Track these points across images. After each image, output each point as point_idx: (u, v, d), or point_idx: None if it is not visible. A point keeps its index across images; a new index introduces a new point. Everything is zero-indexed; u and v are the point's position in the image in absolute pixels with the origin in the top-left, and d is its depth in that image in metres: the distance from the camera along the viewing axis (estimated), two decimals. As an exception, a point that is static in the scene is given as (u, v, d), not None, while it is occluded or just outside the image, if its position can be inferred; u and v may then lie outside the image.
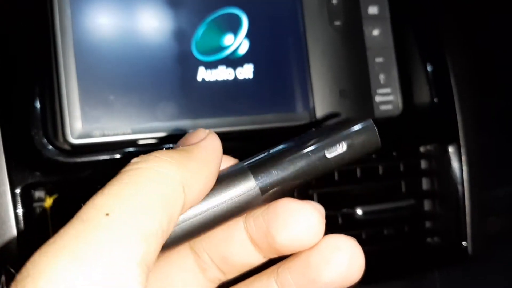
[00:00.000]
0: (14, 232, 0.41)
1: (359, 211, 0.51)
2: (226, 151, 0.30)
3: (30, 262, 0.21)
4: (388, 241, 0.53)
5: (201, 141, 0.27)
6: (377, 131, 0.28)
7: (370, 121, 0.28)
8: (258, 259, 0.30)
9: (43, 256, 0.21)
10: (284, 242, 0.27)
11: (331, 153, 0.28)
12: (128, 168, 0.24)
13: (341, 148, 0.28)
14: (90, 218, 0.22)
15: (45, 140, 0.43)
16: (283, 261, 0.29)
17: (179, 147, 0.27)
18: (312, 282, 0.28)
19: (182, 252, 0.31)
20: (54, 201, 0.44)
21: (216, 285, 0.31)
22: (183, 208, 0.25)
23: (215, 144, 0.27)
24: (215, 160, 0.27)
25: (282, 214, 0.28)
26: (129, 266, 0.21)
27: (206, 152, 0.27)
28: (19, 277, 0.21)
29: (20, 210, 0.41)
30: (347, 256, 0.28)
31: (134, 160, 0.25)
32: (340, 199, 0.51)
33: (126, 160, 0.44)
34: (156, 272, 0.29)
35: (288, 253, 0.28)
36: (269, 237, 0.28)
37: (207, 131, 0.28)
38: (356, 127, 0.28)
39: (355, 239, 0.28)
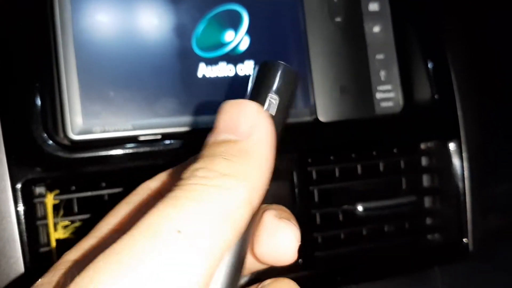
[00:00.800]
0: (15, 227, 0.41)
1: (359, 208, 0.51)
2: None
3: (94, 268, 0.21)
4: (388, 238, 0.53)
5: (254, 134, 0.26)
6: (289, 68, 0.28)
7: (279, 64, 0.28)
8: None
9: (110, 264, 0.21)
10: (261, 255, 0.29)
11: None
12: (192, 181, 0.24)
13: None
14: (159, 235, 0.22)
15: (45, 136, 0.43)
16: None
17: (225, 133, 0.26)
18: None
19: None
20: (55, 197, 0.44)
21: None
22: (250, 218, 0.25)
23: (267, 134, 0.26)
24: (269, 157, 0.26)
25: (263, 228, 0.29)
26: (196, 285, 0.21)
27: (263, 153, 0.26)
28: (78, 279, 0.21)
29: (20, 206, 0.41)
30: None
31: (198, 173, 0.24)
32: (341, 195, 0.51)
33: (127, 155, 0.44)
34: None
35: (267, 264, 0.30)
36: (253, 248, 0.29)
37: (254, 111, 0.26)
38: (277, 78, 0.27)
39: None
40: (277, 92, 0.27)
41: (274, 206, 0.30)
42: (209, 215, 0.23)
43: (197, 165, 0.25)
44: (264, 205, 0.29)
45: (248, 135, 0.25)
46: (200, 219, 0.22)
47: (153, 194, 0.33)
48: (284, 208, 0.30)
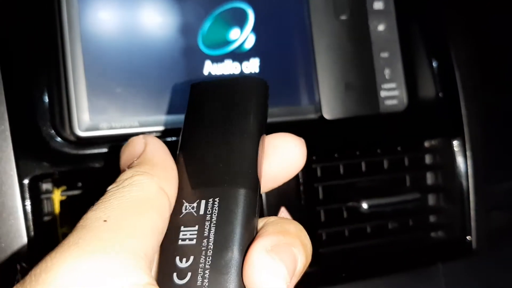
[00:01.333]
0: (22, 223, 0.42)
1: (364, 205, 0.51)
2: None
3: (43, 261, 0.23)
4: (392, 235, 0.53)
5: (147, 146, 0.30)
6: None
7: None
8: None
9: (53, 256, 0.23)
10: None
11: None
12: (106, 195, 0.27)
13: None
14: (90, 224, 0.24)
15: (53, 132, 0.43)
16: None
17: (132, 161, 0.30)
18: None
19: None
20: (62, 193, 0.44)
21: None
22: (170, 205, 0.28)
23: (157, 143, 0.30)
24: (167, 156, 0.30)
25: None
26: (133, 257, 0.23)
27: (158, 154, 0.30)
28: (32, 272, 0.22)
29: (28, 202, 0.42)
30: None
31: (109, 188, 0.27)
32: (345, 192, 0.51)
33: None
34: None
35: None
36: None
37: (141, 136, 0.31)
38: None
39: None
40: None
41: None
42: (129, 205, 0.25)
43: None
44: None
45: (142, 151, 0.30)
46: (121, 209, 0.25)
47: None
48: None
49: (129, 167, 0.29)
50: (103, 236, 0.23)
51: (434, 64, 0.54)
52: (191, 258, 0.26)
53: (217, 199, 0.27)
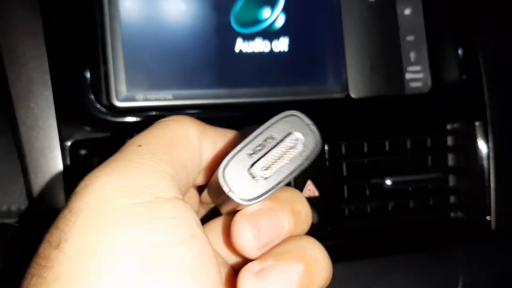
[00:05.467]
0: (61, 185, 0.44)
1: (388, 182, 0.52)
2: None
3: (82, 180, 0.26)
4: (413, 214, 0.54)
5: None
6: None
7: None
8: None
9: (91, 175, 0.26)
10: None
11: None
12: (155, 123, 0.30)
13: None
14: (124, 149, 0.28)
15: (93, 100, 0.45)
16: None
17: None
18: None
19: None
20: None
21: None
22: (201, 155, 0.30)
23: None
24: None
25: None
26: (160, 176, 0.26)
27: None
28: (74, 191, 0.26)
29: (68, 164, 0.44)
30: None
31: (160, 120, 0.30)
32: (368, 170, 0.53)
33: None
34: None
35: None
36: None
37: None
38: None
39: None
40: None
41: None
42: (166, 137, 0.28)
43: None
44: None
45: None
46: (158, 138, 0.28)
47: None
48: None
49: None
50: (134, 158, 0.26)
51: (459, 48, 0.55)
52: None
53: None
